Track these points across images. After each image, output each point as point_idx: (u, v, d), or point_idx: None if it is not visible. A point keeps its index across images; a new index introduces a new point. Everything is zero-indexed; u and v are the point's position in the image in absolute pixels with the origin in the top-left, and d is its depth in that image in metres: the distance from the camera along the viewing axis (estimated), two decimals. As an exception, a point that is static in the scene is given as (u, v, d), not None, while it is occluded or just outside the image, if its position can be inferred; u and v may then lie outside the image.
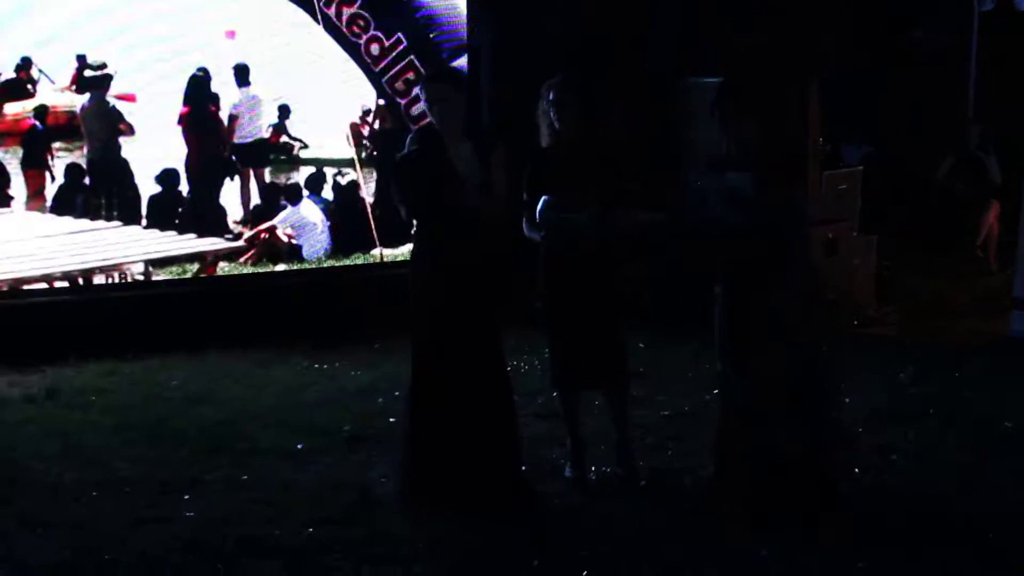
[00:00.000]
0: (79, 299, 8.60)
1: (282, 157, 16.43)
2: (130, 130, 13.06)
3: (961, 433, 6.52)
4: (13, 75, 16.32)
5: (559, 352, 5.96)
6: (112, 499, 5.74)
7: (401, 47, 11.33)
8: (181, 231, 10.88)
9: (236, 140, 13.22)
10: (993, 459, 6.12)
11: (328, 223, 12.05)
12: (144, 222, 11.82)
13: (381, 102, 13.49)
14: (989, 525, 5.23)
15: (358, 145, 14.74)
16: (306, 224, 11.95)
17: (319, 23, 11.36)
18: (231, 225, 12.61)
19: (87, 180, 12.57)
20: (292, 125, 16.91)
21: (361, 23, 11.43)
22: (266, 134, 14.84)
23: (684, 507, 5.59)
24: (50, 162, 13.65)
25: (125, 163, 12.59)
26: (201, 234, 10.65)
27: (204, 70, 13.13)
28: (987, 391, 7.26)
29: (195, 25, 16.24)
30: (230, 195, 13.20)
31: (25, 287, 8.74)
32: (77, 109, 13.35)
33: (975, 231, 11.48)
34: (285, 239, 11.70)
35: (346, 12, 11.41)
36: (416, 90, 5.79)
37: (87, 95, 13.04)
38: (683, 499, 5.68)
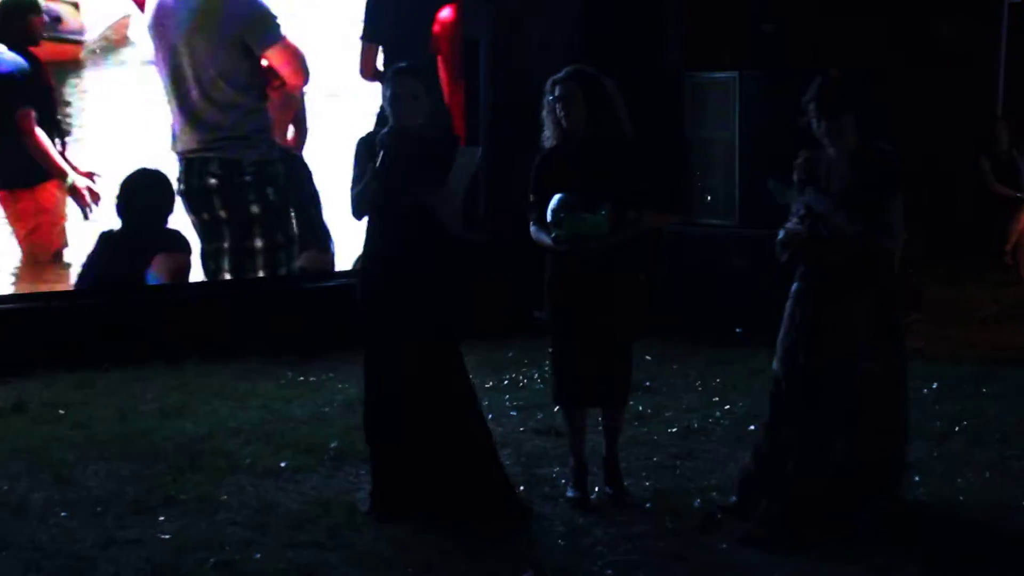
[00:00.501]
0: (48, 306, 8.56)
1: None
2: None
3: (988, 452, 6.51)
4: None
5: (563, 366, 5.94)
6: (82, 519, 5.70)
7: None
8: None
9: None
10: (1022, 480, 6.09)
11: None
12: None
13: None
14: (1018, 548, 5.20)
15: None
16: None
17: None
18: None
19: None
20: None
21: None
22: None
23: (691, 528, 5.57)
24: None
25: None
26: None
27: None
28: (1015, 408, 7.24)
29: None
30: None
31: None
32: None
33: (1005, 236, 11.49)
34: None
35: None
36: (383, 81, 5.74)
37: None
38: (690, 520, 5.64)
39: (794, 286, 5.66)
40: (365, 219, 5.72)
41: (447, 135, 5.76)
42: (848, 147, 5.56)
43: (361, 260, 5.83)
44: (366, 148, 5.67)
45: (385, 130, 5.63)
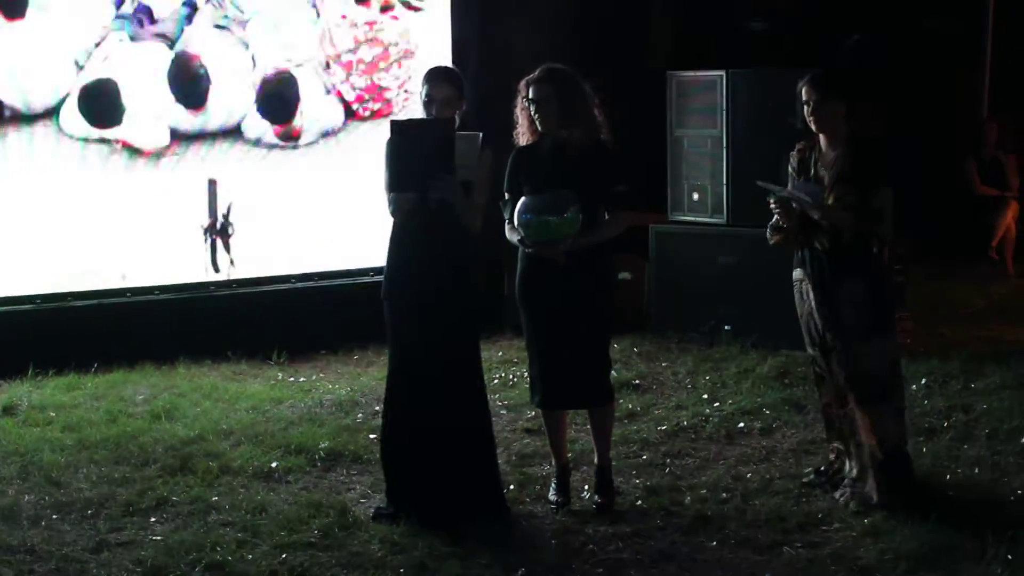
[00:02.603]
0: (38, 308, 8.54)
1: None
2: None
3: (976, 447, 6.53)
4: None
5: (539, 369, 5.92)
6: (73, 522, 5.70)
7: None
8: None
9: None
10: (1011, 476, 6.12)
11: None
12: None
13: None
14: (1010, 544, 5.22)
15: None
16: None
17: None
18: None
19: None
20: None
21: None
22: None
23: (682, 526, 5.58)
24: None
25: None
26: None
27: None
28: (1004, 403, 7.26)
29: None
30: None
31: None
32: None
33: (991, 232, 11.54)
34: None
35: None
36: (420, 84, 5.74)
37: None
38: (681, 518, 5.66)
39: (793, 273, 5.91)
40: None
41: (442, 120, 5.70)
42: (838, 136, 5.70)
43: (388, 258, 5.77)
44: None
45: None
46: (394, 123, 5.55)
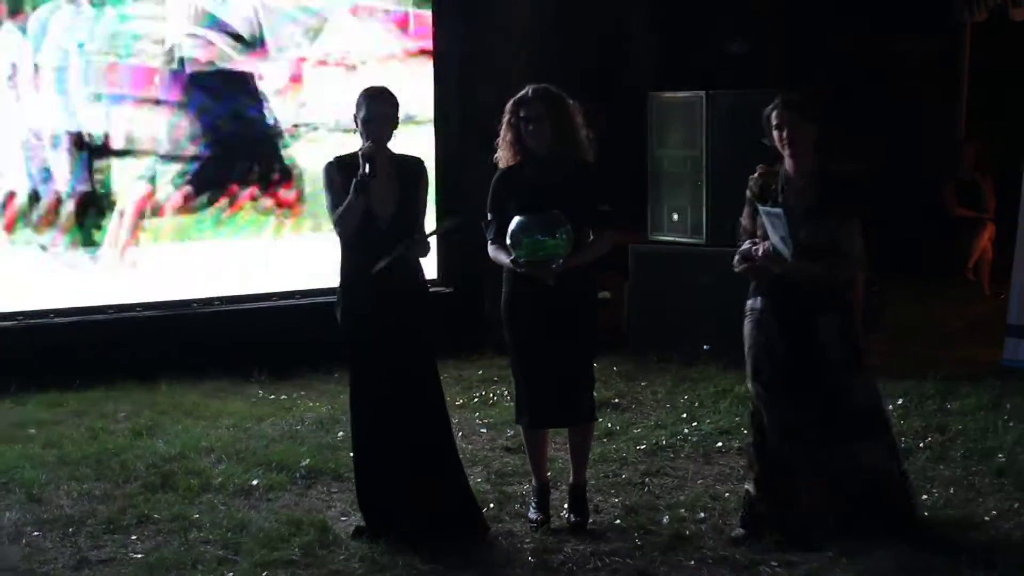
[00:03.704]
0: (19, 325, 8.54)
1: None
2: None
3: (952, 468, 6.57)
4: None
5: (524, 388, 5.93)
6: (54, 539, 5.70)
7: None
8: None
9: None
10: (986, 496, 6.16)
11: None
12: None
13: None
14: (985, 566, 5.25)
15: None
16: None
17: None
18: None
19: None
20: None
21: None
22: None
23: (660, 545, 5.59)
24: None
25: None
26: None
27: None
28: (979, 424, 7.31)
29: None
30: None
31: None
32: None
33: (968, 253, 11.62)
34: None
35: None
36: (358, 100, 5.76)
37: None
38: (659, 537, 5.68)
39: (750, 301, 5.66)
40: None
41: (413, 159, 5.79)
42: (806, 164, 5.52)
43: (341, 280, 5.79)
44: (337, 171, 5.69)
45: (367, 144, 5.62)
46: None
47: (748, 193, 5.69)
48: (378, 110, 5.63)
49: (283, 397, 8.36)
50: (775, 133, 5.53)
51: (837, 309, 5.55)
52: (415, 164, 5.81)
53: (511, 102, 5.82)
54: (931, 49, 12.60)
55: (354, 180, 5.54)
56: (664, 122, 9.55)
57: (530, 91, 5.79)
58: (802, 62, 11.19)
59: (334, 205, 5.66)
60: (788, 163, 5.56)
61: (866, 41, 12.06)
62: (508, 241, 5.68)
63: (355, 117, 5.69)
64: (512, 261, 5.71)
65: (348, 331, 5.76)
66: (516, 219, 5.66)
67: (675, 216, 9.49)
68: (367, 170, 5.50)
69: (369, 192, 5.55)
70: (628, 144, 9.49)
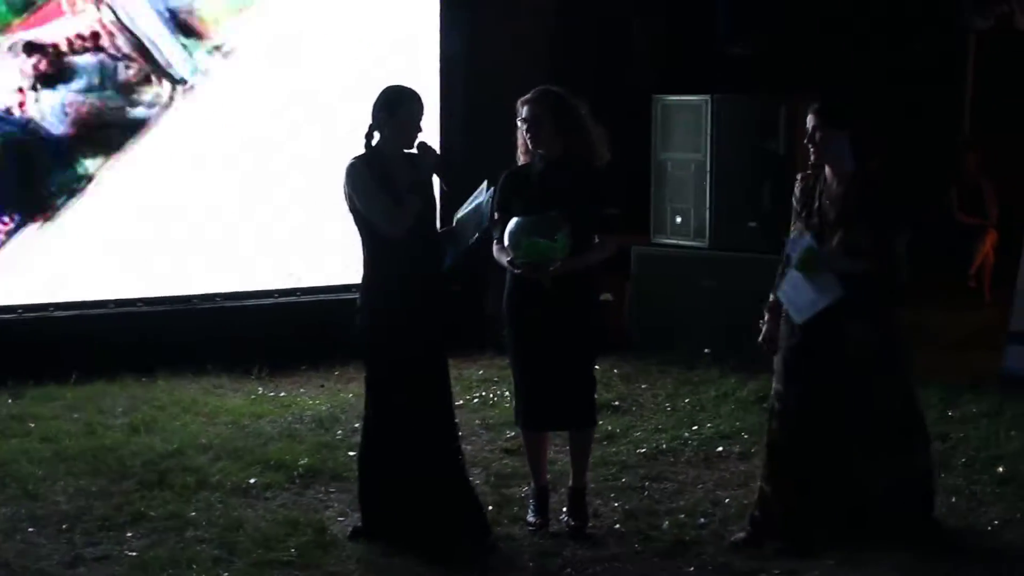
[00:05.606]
0: (15, 319, 8.48)
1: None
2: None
3: (954, 477, 6.50)
4: None
5: (524, 390, 5.88)
6: (48, 536, 5.64)
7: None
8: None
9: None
10: (988, 505, 6.10)
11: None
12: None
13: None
14: (985, 573, 5.21)
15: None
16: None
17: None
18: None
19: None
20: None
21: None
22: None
23: (659, 551, 5.54)
24: None
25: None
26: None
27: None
28: (981, 432, 7.25)
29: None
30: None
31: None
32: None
33: (969, 260, 11.55)
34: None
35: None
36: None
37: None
38: (659, 542, 5.62)
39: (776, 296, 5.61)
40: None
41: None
42: (843, 169, 5.46)
43: (376, 283, 5.62)
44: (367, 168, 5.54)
45: (420, 142, 5.55)
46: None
47: (793, 202, 5.67)
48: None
49: (282, 394, 8.29)
50: (808, 138, 5.50)
51: (869, 316, 5.46)
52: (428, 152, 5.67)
53: (519, 102, 5.78)
54: (935, 54, 12.54)
55: (413, 181, 5.49)
56: (668, 125, 9.51)
57: (533, 92, 5.76)
58: (808, 66, 11.13)
59: (381, 205, 5.47)
60: (826, 168, 5.53)
61: (870, 45, 12.00)
62: (506, 242, 5.63)
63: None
64: (509, 262, 5.67)
65: (377, 330, 5.60)
66: (514, 220, 5.61)
67: (678, 219, 9.47)
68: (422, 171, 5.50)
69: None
70: (630, 147, 9.43)
